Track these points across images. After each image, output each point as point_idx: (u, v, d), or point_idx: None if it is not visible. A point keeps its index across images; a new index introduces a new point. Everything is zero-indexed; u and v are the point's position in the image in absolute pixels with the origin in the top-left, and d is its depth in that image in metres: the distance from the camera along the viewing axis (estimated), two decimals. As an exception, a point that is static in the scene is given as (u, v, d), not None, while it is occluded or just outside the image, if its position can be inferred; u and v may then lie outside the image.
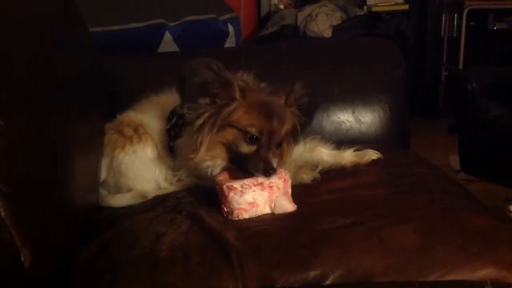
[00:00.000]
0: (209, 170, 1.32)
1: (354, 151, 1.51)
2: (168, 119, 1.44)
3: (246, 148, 1.27)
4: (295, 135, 1.38)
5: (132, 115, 1.51)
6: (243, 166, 1.26)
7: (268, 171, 1.21)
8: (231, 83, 1.25)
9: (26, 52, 1.12)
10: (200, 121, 1.27)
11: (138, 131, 1.45)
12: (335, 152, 1.50)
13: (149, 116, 1.49)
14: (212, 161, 1.31)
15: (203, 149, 1.28)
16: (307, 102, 1.36)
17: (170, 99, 1.43)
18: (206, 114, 1.27)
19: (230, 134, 1.28)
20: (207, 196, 1.29)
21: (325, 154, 1.50)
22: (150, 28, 2.08)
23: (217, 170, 1.32)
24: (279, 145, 1.32)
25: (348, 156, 1.49)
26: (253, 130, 1.26)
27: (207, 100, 1.26)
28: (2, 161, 0.93)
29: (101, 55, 1.68)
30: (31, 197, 0.99)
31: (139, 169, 1.43)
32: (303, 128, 1.39)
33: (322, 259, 1.01)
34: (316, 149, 1.50)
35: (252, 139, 1.26)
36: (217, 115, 1.26)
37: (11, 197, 0.92)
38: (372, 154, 1.50)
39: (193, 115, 1.27)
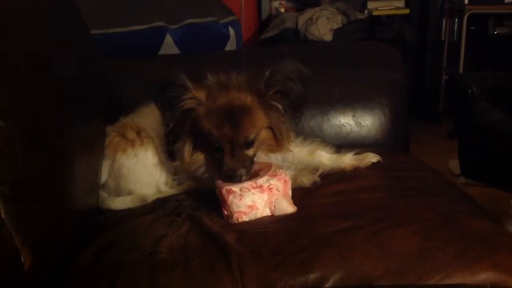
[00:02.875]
0: (207, 175, 1.34)
1: (354, 154, 1.51)
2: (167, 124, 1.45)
3: (216, 154, 1.30)
4: (285, 119, 1.32)
5: (135, 119, 1.52)
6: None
7: (231, 179, 1.23)
8: (192, 94, 1.28)
9: (27, 53, 1.12)
10: (176, 130, 1.32)
11: (140, 135, 1.46)
12: (335, 156, 1.50)
13: (150, 120, 1.50)
14: (204, 166, 1.34)
15: (186, 156, 1.33)
16: (284, 84, 1.28)
17: None
18: (179, 124, 1.31)
19: (202, 141, 1.32)
20: (207, 198, 1.29)
21: (325, 158, 1.50)
22: (151, 30, 2.08)
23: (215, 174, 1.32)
24: (249, 144, 1.29)
25: (348, 160, 1.49)
26: (213, 140, 1.28)
27: (178, 112, 1.29)
28: (2, 162, 0.93)
29: (101, 57, 1.69)
30: (32, 198, 0.99)
31: (140, 172, 1.44)
32: (295, 108, 1.32)
33: (322, 262, 1.01)
34: (316, 153, 1.50)
35: (215, 147, 1.29)
36: (185, 124, 1.30)
37: (12, 199, 0.92)
38: (372, 157, 1.50)
39: (171, 124, 1.33)
